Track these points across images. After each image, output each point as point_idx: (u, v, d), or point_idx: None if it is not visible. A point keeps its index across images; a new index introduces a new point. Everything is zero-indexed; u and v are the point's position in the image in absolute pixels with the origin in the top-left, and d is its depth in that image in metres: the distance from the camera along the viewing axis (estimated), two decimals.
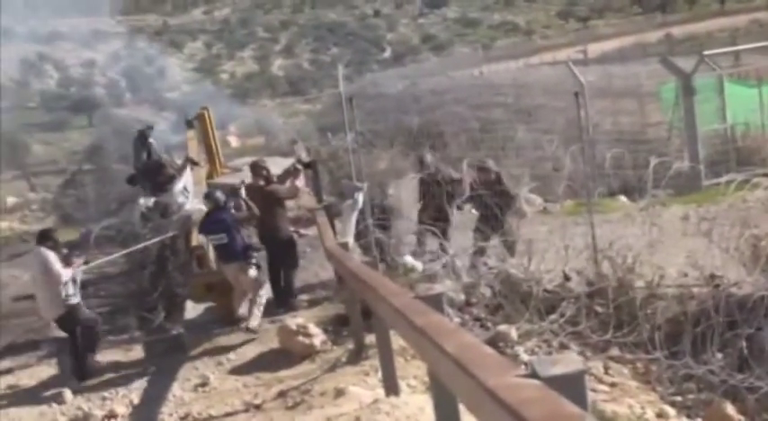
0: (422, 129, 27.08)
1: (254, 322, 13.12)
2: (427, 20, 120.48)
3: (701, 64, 21.77)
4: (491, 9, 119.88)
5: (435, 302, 5.46)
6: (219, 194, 13.85)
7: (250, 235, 14.55)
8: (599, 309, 11.72)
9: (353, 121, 13.84)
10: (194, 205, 15.83)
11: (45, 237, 13.25)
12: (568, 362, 3.38)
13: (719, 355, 10.30)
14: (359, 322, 11.31)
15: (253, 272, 13.50)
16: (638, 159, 19.29)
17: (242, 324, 13.25)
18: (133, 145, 20.02)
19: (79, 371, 12.91)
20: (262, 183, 14.54)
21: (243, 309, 13.70)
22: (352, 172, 14.63)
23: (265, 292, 13.62)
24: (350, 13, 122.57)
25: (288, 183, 15.13)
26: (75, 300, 13.09)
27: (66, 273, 12.83)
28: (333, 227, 14.59)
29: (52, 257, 12.87)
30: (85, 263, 13.98)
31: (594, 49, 61.86)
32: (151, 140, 19.96)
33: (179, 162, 18.25)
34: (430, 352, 4.35)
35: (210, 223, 13.69)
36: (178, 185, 16.57)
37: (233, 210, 13.96)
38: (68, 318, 13.02)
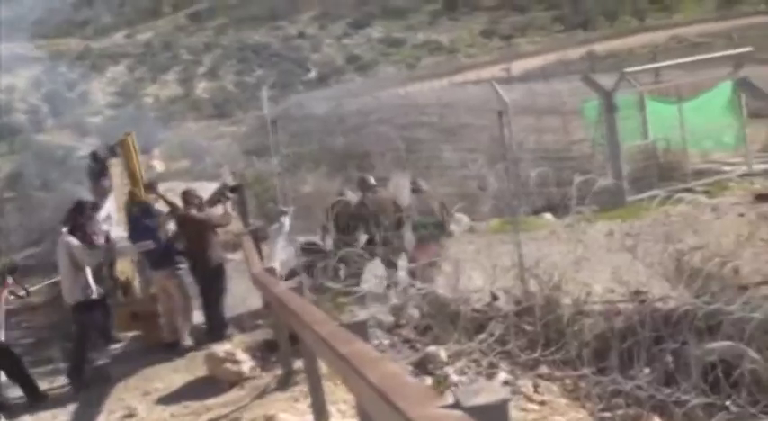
0: (347, 150, 27.10)
1: (188, 340, 13.06)
2: (352, 40, 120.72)
3: (622, 81, 22.11)
4: (415, 28, 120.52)
5: (360, 330, 5.42)
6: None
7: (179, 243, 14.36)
8: (527, 327, 11.77)
9: (278, 144, 13.77)
10: (118, 233, 15.59)
11: None
12: (491, 391, 3.36)
13: (647, 370, 10.39)
14: (287, 348, 11.22)
15: (180, 278, 13.42)
16: (562, 176, 19.49)
17: (179, 344, 13.17)
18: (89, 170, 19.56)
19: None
20: (194, 211, 14.36)
21: (172, 333, 13.56)
22: (278, 195, 14.55)
23: (193, 309, 13.55)
24: (274, 35, 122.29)
25: (220, 209, 14.98)
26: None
27: None
28: (259, 252, 14.48)
29: None
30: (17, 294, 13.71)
31: (518, 66, 62.67)
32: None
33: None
34: (354, 381, 4.31)
35: (136, 230, 13.56)
36: (101, 213, 16.30)
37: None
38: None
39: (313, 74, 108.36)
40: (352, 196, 15.36)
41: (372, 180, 15.19)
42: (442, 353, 11.34)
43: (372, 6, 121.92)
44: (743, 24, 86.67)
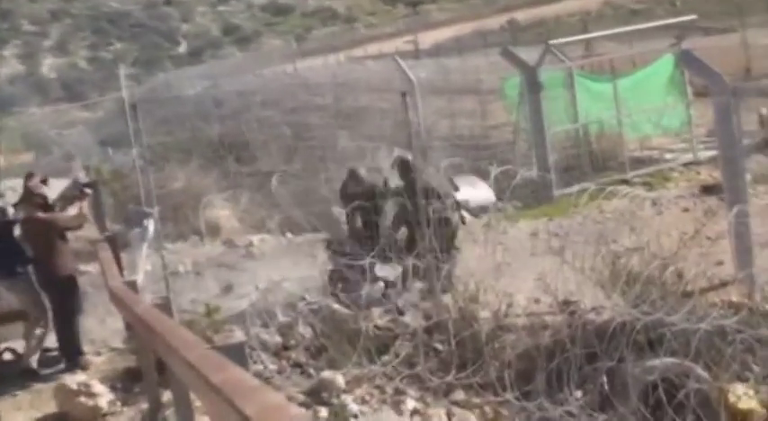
0: (225, 138, 26.97)
1: (34, 361, 12.85)
2: (229, 7, 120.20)
3: (548, 55, 22.39)
4: None
5: (237, 353, 5.40)
6: None
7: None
8: (439, 346, 11.85)
9: (140, 133, 13.61)
10: None
11: None
12: None
13: (578, 393, 10.57)
14: (153, 377, 11.09)
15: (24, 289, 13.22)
16: (479, 167, 19.72)
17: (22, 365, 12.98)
18: None
19: None
20: (39, 212, 14.02)
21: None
22: (141, 194, 14.38)
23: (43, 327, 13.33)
24: (135, 0, 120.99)
25: (73, 210, 14.67)
26: None
27: None
28: (119, 262, 14.28)
29: None
30: None
31: (427, 38, 63.12)
32: None
33: None
34: (228, 415, 4.29)
35: None
36: None
37: None
38: None
39: (183, 48, 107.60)
40: (370, 175, 15.32)
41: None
42: (340, 379, 11.34)
43: None
44: None
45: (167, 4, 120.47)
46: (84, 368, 13.32)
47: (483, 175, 17.79)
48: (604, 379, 10.49)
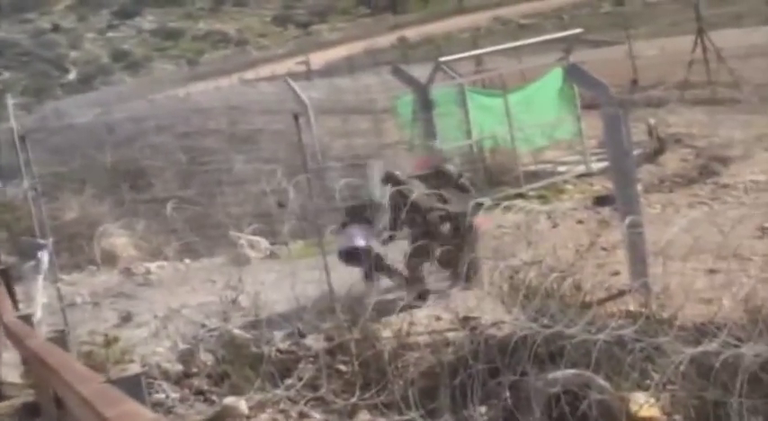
0: (119, 166, 26.63)
1: None
2: (118, 33, 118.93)
3: (439, 72, 22.54)
4: (195, 17, 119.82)
5: (133, 385, 5.29)
6: None
7: None
8: (342, 367, 11.81)
9: (30, 163, 13.38)
10: None
11: None
12: None
13: (482, 409, 10.59)
14: (52, 412, 10.85)
15: None
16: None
17: None
18: None
19: None
20: None
21: None
22: (34, 225, 14.12)
23: None
24: (21, 29, 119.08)
25: None
26: None
27: None
28: (12, 295, 13.98)
29: None
30: None
31: (319, 58, 63.14)
32: None
33: None
34: None
35: None
36: None
37: None
38: None
39: (73, 75, 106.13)
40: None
41: None
42: (243, 405, 11.23)
43: None
44: (573, 1, 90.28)
45: (55, 31, 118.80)
46: None
47: None
48: (507, 393, 10.52)
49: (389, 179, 15.12)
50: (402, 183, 14.65)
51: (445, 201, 14.45)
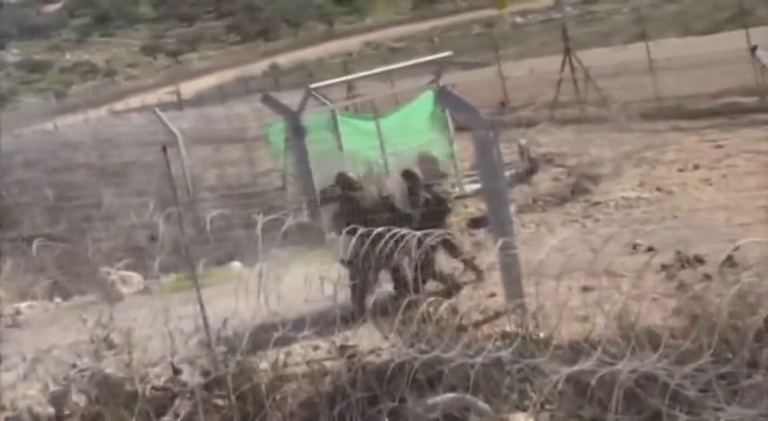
0: None
1: None
2: None
3: (310, 98, 22.53)
4: (61, 48, 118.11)
5: None
6: None
7: None
8: (219, 401, 11.67)
9: None
10: None
11: None
12: None
13: None
14: None
15: None
16: (251, 216, 19.57)
17: None
18: None
19: None
20: None
21: None
22: None
23: None
24: None
25: None
26: None
27: None
28: None
29: None
30: None
31: (189, 87, 62.72)
32: None
33: None
34: None
35: None
36: None
37: None
38: None
39: None
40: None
41: None
42: None
43: (5, 24, 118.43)
44: (444, 24, 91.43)
45: None
46: None
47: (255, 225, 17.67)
48: (387, 420, 10.50)
49: (341, 181, 15.80)
50: (355, 187, 15.46)
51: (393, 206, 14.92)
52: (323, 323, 12.12)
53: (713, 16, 56.15)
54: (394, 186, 15.99)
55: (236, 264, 19.42)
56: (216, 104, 40.85)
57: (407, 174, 15.62)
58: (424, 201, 15.00)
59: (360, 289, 14.07)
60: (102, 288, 17.86)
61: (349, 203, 15.33)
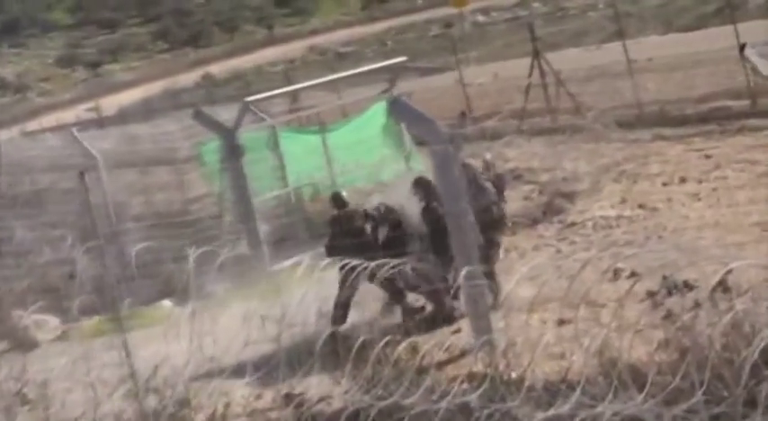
0: None
1: None
2: None
3: (247, 113, 22.44)
4: None
5: None
6: None
7: None
8: None
9: None
10: None
11: None
12: None
13: None
14: None
15: None
16: (183, 248, 19.47)
17: None
18: None
19: None
20: None
21: None
22: None
23: None
24: None
25: None
26: None
27: None
28: None
29: None
30: None
31: (111, 102, 62.43)
32: None
33: None
34: None
35: None
36: None
37: None
38: None
39: None
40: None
41: None
42: None
43: None
44: (397, 25, 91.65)
45: None
46: None
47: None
48: None
49: (334, 201, 16.50)
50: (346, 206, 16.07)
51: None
52: (266, 368, 12.11)
53: (698, 10, 56.78)
54: (401, 199, 16.05)
55: (167, 304, 19.31)
56: (141, 122, 40.58)
57: (420, 183, 15.71)
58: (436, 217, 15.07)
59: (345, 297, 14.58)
60: (13, 334, 17.69)
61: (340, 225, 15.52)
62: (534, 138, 25.70)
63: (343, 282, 14.56)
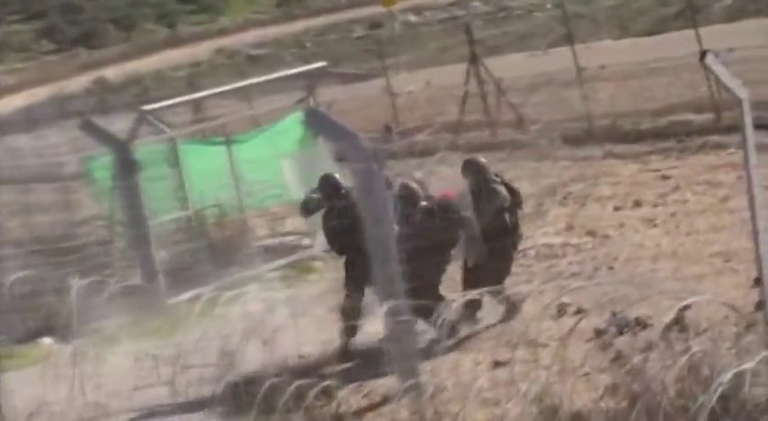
0: None
1: None
2: None
3: (144, 123, 22.29)
4: None
5: None
6: None
7: None
8: None
9: None
10: None
11: None
12: None
13: None
14: None
15: None
16: (67, 278, 19.32)
17: None
18: None
19: None
20: None
21: None
22: None
23: None
24: None
25: None
26: None
27: None
28: None
29: None
30: None
31: None
32: None
33: None
34: None
35: None
36: None
37: None
38: None
39: None
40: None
41: None
42: None
43: None
44: (318, 25, 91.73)
45: None
46: None
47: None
48: None
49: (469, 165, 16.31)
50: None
51: None
52: (159, 416, 12.03)
53: (657, 13, 57.37)
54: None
55: (47, 341, 19.10)
56: (23, 132, 40.31)
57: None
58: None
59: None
60: None
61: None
62: (471, 155, 25.74)
63: (349, 284, 14.88)
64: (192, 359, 12.79)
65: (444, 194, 15.87)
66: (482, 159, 16.40)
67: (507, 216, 15.63)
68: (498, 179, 15.99)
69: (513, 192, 15.95)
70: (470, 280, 14.96)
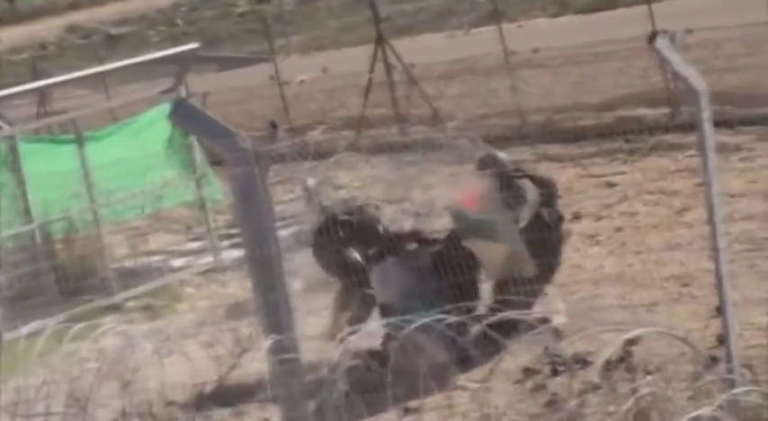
0: None
1: None
2: None
3: None
4: None
5: None
6: None
7: None
8: None
9: None
10: None
11: None
12: None
13: None
14: None
15: None
16: None
17: None
18: None
19: None
20: None
21: None
22: None
23: None
24: None
25: None
26: None
27: None
28: None
29: None
30: None
31: None
32: None
33: None
34: None
35: None
36: None
37: None
38: None
39: None
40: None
41: None
42: None
43: None
44: None
45: None
46: None
47: None
48: None
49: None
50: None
51: None
52: None
53: None
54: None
55: None
56: None
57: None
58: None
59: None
60: None
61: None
62: (376, 157, 25.71)
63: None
64: (34, 407, 12.75)
65: (466, 197, 16.05)
66: (500, 154, 16.47)
67: (546, 212, 15.73)
68: (520, 173, 16.12)
69: (543, 183, 16.03)
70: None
